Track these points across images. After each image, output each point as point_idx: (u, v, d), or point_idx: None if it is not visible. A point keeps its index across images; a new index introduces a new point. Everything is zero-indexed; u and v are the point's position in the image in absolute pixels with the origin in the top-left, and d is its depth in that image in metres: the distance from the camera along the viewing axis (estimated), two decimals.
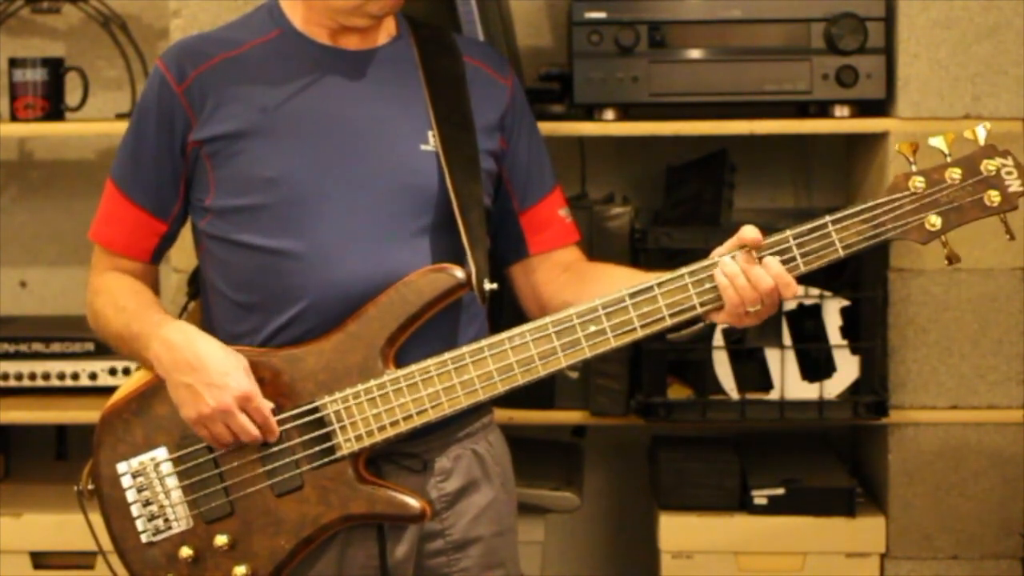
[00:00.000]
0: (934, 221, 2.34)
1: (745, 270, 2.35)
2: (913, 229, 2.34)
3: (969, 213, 2.34)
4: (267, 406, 2.41)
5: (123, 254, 2.56)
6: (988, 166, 2.33)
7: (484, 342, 2.41)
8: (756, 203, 3.65)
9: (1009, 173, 2.33)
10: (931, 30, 3.20)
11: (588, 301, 2.40)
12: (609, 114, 3.26)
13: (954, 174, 2.33)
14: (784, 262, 2.35)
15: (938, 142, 2.34)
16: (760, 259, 2.35)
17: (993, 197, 2.33)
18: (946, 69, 3.20)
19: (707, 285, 2.38)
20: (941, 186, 2.34)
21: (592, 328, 2.39)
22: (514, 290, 2.67)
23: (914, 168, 2.34)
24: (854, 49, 3.18)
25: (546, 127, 2.94)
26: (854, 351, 3.22)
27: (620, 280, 2.52)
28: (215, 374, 2.39)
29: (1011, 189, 2.33)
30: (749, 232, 2.36)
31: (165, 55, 2.53)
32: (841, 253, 2.35)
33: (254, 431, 2.41)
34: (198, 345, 2.42)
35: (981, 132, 2.33)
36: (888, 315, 3.22)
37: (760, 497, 3.27)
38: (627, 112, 3.28)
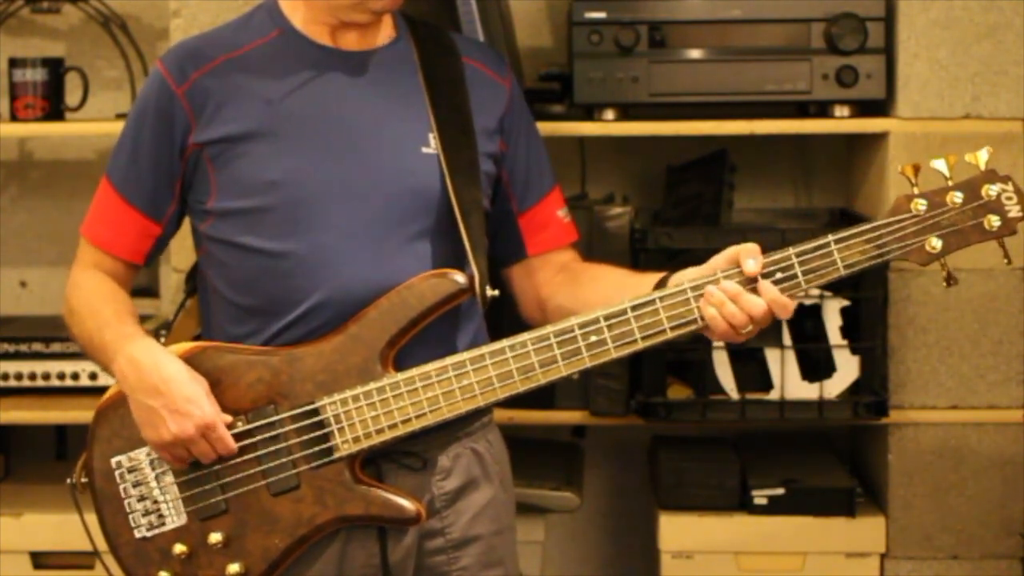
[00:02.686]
0: (935, 244, 2.35)
1: (735, 296, 2.35)
2: (914, 251, 2.35)
3: (970, 237, 2.35)
4: (228, 436, 2.41)
5: (116, 254, 2.56)
6: (988, 191, 2.35)
7: (485, 349, 2.41)
8: (756, 203, 3.65)
9: (1009, 199, 2.35)
10: (931, 30, 3.20)
11: (587, 306, 2.41)
12: (609, 114, 3.26)
13: (955, 198, 2.35)
14: (786, 279, 2.36)
15: (940, 165, 2.35)
16: (754, 287, 2.35)
17: (993, 222, 2.34)
18: (946, 69, 3.20)
19: None
20: (943, 209, 2.35)
21: (593, 338, 2.39)
22: (512, 291, 2.67)
23: (916, 190, 2.36)
24: (854, 49, 3.18)
25: (546, 127, 2.94)
26: (854, 351, 3.22)
27: (612, 282, 2.53)
28: (179, 400, 2.38)
29: (1011, 214, 2.35)
30: (750, 265, 2.35)
31: (165, 57, 2.53)
32: (842, 272, 2.36)
33: (213, 456, 2.42)
34: (164, 369, 2.41)
35: (983, 156, 2.35)
36: (888, 315, 3.22)
37: (760, 497, 3.27)
38: (627, 112, 3.28)
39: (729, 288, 2.35)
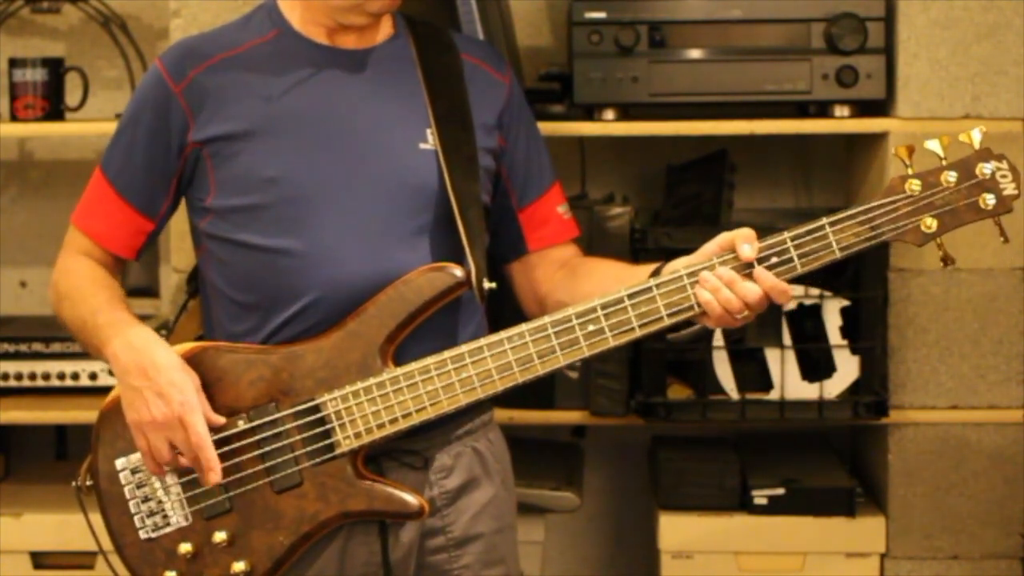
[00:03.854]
0: (930, 223, 2.35)
1: (731, 283, 2.35)
2: (909, 231, 2.35)
3: (964, 216, 2.35)
4: (203, 426, 2.39)
5: (107, 247, 2.56)
6: (983, 169, 2.35)
7: (483, 341, 2.41)
8: (756, 203, 3.65)
9: (1004, 176, 2.34)
10: (931, 30, 3.20)
11: (585, 300, 2.41)
12: (609, 114, 3.26)
13: (950, 177, 2.35)
14: (782, 263, 2.36)
15: (934, 145, 2.35)
16: (750, 272, 2.35)
17: (988, 200, 2.34)
18: (946, 69, 3.20)
19: None
20: (937, 189, 2.35)
21: (591, 328, 2.39)
22: (513, 287, 2.68)
23: (910, 171, 2.35)
24: (854, 49, 3.18)
25: (546, 127, 2.94)
26: (854, 351, 3.22)
27: (609, 274, 2.53)
28: (165, 384, 2.39)
29: (1005, 192, 2.34)
30: (746, 250, 2.36)
31: (164, 55, 2.53)
32: (838, 255, 2.36)
33: (188, 447, 2.40)
34: (156, 353, 2.42)
35: (976, 135, 2.35)
36: (888, 315, 3.21)
37: (760, 497, 3.27)
38: (627, 112, 3.28)
39: (724, 274, 2.35)
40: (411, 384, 2.41)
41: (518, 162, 2.63)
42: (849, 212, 2.35)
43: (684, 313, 2.39)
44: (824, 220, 2.35)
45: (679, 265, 2.41)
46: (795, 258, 2.36)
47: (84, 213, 2.58)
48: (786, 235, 2.36)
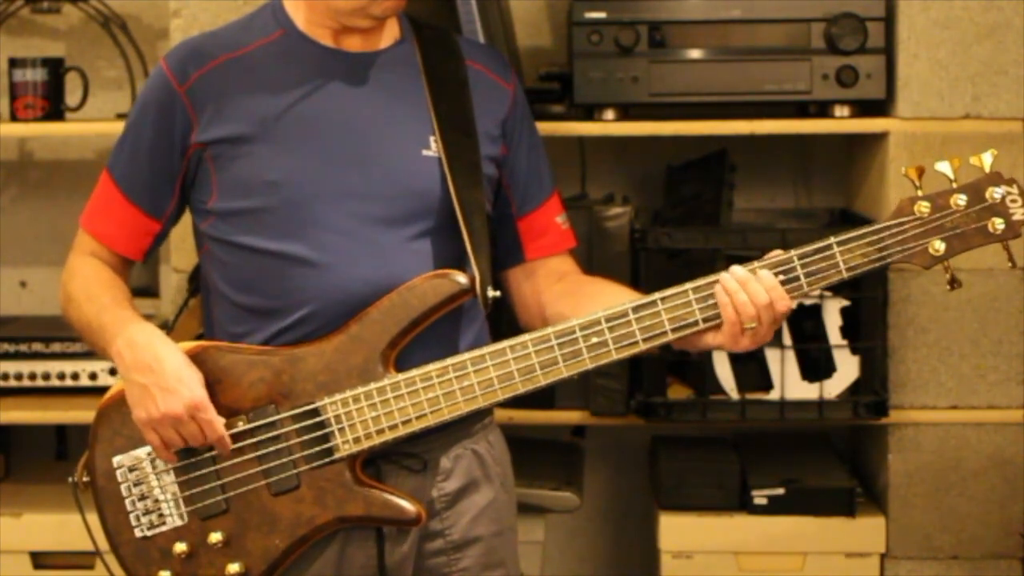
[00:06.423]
0: (938, 247, 2.34)
1: (744, 283, 2.35)
2: (917, 254, 2.35)
3: (973, 240, 2.34)
4: (218, 419, 2.40)
5: (115, 249, 2.56)
6: (993, 193, 2.33)
7: (486, 349, 2.41)
8: (756, 203, 3.65)
9: (1014, 201, 2.33)
10: (931, 30, 3.20)
11: (590, 313, 2.40)
12: (609, 114, 3.26)
13: (959, 200, 2.33)
14: (788, 282, 2.36)
15: (944, 167, 2.34)
16: (754, 271, 2.36)
17: (997, 225, 2.33)
18: (946, 69, 3.20)
19: (710, 301, 2.38)
20: (946, 212, 2.34)
21: (594, 340, 2.39)
22: (509, 294, 2.67)
23: (919, 193, 2.35)
24: (854, 49, 3.18)
25: (546, 127, 2.94)
26: (854, 351, 3.22)
27: (617, 299, 2.52)
28: (170, 378, 2.38)
29: (1015, 217, 2.33)
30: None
31: (169, 55, 2.53)
32: (845, 275, 2.36)
33: (202, 439, 2.41)
34: (159, 349, 2.41)
35: (987, 159, 2.33)
36: (888, 315, 3.22)
37: (760, 497, 3.27)
38: (627, 112, 3.28)
39: (738, 274, 2.35)
40: (412, 390, 2.41)
41: (519, 170, 2.62)
42: (857, 232, 2.35)
43: (688, 328, 2.39)
44: (832, 240, 2.35)
45: None
46: (801, 277, 2.36)
47: (91, 215, 2.58)
48: (793, 254, 2.36)
